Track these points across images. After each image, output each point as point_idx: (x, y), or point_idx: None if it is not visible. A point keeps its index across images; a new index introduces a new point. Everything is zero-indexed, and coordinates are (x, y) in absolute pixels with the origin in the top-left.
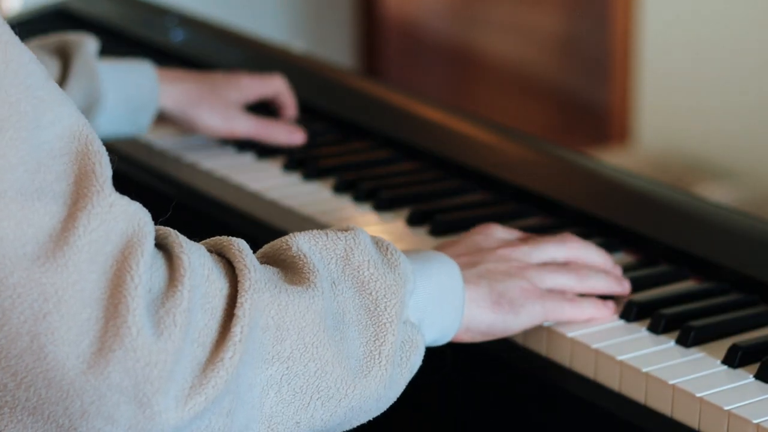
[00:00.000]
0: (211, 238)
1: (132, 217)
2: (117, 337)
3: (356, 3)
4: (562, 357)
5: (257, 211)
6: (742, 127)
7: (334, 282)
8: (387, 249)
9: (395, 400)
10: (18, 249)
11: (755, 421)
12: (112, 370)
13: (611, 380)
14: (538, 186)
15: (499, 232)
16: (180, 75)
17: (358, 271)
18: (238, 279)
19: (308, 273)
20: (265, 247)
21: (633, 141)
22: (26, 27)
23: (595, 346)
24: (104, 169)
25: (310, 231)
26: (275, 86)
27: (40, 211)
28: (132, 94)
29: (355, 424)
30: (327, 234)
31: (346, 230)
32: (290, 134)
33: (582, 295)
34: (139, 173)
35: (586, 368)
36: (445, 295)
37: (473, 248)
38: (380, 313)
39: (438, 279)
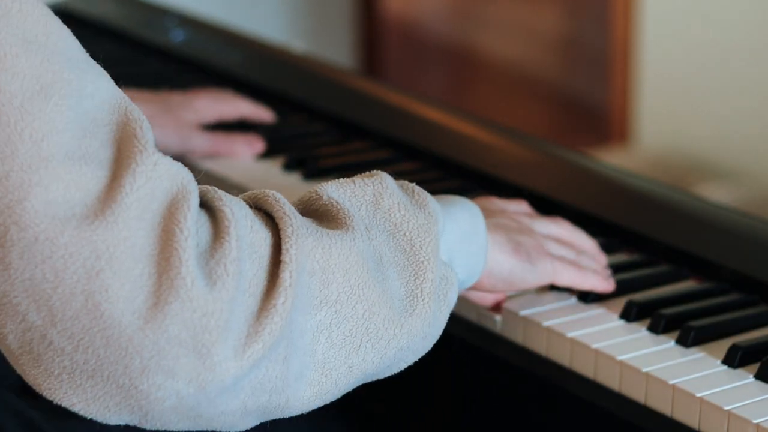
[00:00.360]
0: (246, 193)
1: (176, 175)
2: (172, 290)
3: (356, 3)
4: (562, 357)
5: None
6: (742, 127)
7: (367, 227)
8: (413, 191)
9: (438, 338)
10: (67, 211)
11: (755, 421)
12: (170, 322)
13: (611, 380)
14: (538, 186)
15: (498, 201)
16: (134, 96)
17: (390, 214)
18: (280, 227)
19: (344, 218)
20: (294, 201)
21: (633, 141)
22: None
23: (595, 346)
24: (146, 132)
25: (337, 180)
26: (238, 110)
27: (87, 175)
28: None
29: (403, 366)
30: (354, 182)
31: (370, 176)
32: (250, 145)
33: None
34: None
35: (586, 368)
36: (469, 236)
37: (496, 208)
38: (416, 252)
39: (463, 220)
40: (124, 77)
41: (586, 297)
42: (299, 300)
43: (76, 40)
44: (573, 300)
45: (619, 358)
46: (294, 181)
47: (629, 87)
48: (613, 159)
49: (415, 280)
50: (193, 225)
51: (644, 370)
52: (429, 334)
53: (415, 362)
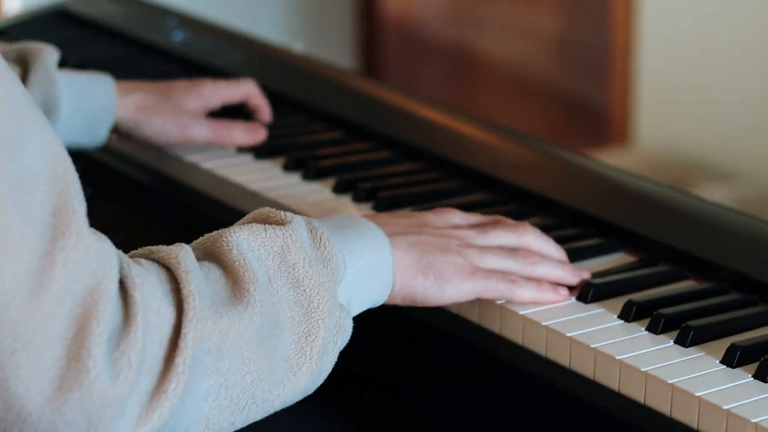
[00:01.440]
0: (160, 249)
1: (104, 258)
2: (76, 380)
3: (356, 3)
4: (562, 356)
5: None
6: (742, 127)
7: (270, 279)
8: (320, 240)
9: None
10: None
11: (754, 420)
12: (68, 408)
13: (610, 380)
14: (538, 186)
15: (454, 217)
16: (137, 85)
17: (294, 269)
18: (183, 307)
19: (248, 283)
20: (206, 241)
21: (632, 141)
22: (26, 27)
23: (594, 345)
24: (82, 206)
25: (250, 226)
26: (244, 90)
27: (20, 244)
28: (87, 105)
29: (283, 407)
30: (266, 230)
31: (283, 223)
32: (250, 134)
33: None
34: (139, 173)
35: (585, 368)
36: (374, 272)
37: (419, 222)
38: (313, 310)
39: (369, 257)
40: (124, 77)
41: (586, 297)
42: (191, 371)
43: (23, 90)
44: (572, 300)
45: (619, 357)
46: (294, 181)
47: (629, 87)
48: (613, 159)
49: (306, 337)
50: (110, 318)
51: (643, 369)
52: (312, 387)
53: (415, 362)
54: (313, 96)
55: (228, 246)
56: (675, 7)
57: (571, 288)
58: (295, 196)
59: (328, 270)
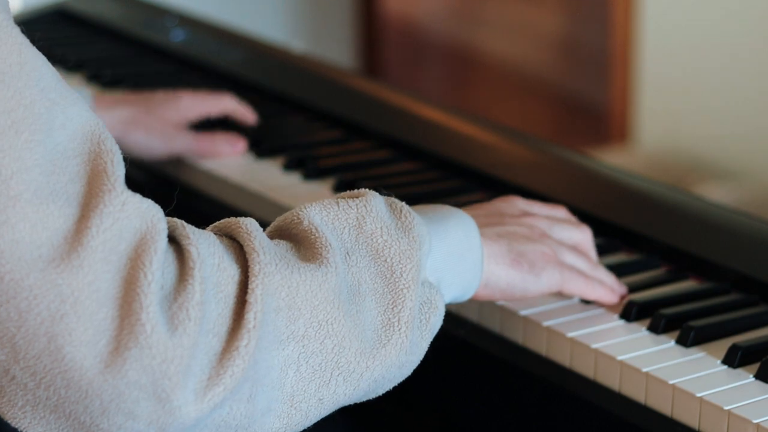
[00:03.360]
0: (221, 221)
1: (145, 214)
2: (132, 336)
3: (356, 3)
4: (562, 357)
5: (257, 212)
6: (742, 127)
7: (348, 252)
8: (401, 212)
9: (418, 364)
10: (33, 251)
11: (755, 421)
12: (129, 368)
13: (611, 380)
14: (538, 186)
15: (521, 203)
16: (116, 99)
17: (372, 239)
18: (248, 263)
19: (320, 248)
20: (278, 220)
21: (633, 141)
22: (26, 27)
23: (595, 346)
24: (116, 168)
25: (322, 201)
26: (222, 105)
27: (54, 213)
28: None
29: (381, 392)
30: (338, 203)
31: (357, 196)
32: (232, 145)
33: None
34: (139, 173)
35: (586, 368)
36: (462, 253)
37: (495, 212)
38: (396, 279)
39: (455, 237)
40: (124, 77)
41: None
42: (265, 337)
43: (50, 66)
44: (573, 300)
45: (619, 358)
46: (294, 181)
47: (629, 87)
48: (613, 159)
49: (393, 308)
50: (159, 269)
51: (644, 370)
52: (407, 362)
53: None
54: (313, 96)
55: (298, 219)
56: (675, 6)
57: None
58: (295, 196)
59: (409, 238)
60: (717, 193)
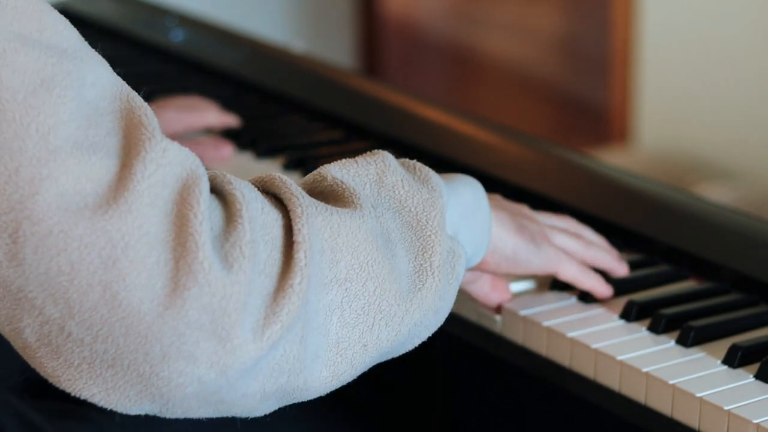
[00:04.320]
0: (253, 177)
1: (185, 160)
2: (190, 275)
3: (356, 3)
4: (562, 357)
5: None
6: (742, 127)
7: (373, 205)
8: (415, 167)
9: (449, 312)
10: (79, 202)
11: (755, 421)
12: (189, 307)
13: (611, 380)
14: (538, 186)
15: (501, 199)
16: None
17: (394, 191)
18: (289, 207)
19: (350, 196)
20: (299, 183)
21: (633, 141)
22: None
23: (595, 346)
24: (151, 119)
25: (340, 161)
26: (205, 120)
27: (96, 164)
28: None
29: (417, 342)
30: (357, 162)
31: (373, 155)
32: (216, 149)
33: None
34: None
35: (586, 368)
36: (473, 211)
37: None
38: (423, 227)
39: (466, 195)
40: (124, 77)
41: (586, 297)
42: (312, 278)
43: (74, 29)
44: (573, 300)
45: (619, 358)
46: (294, 181)
47: (629, 87)
48: (613, 159)
49: (423, 254)
50: (206, 209)
51: (644, 370)
52: (440, 308)
53: (415, 362)
54: (313, 96)
55: (321, 176)
56: (675, 6)
57: (570, 287)
58: None
59: (429, 188)
60: (717, 193)
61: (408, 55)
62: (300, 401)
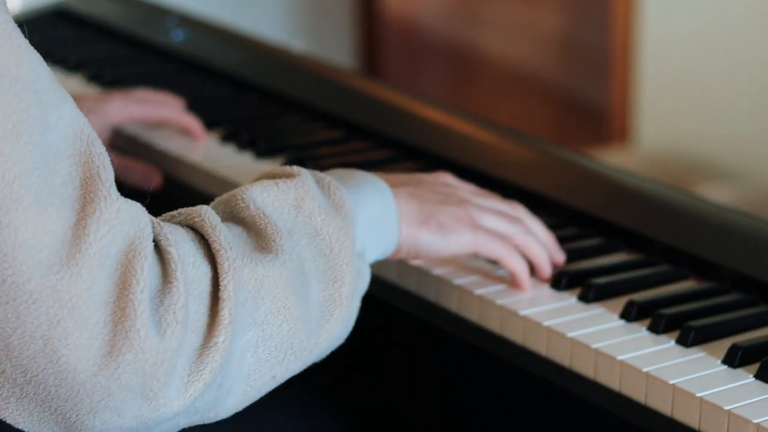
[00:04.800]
0: (182, 212)
1: (135, 219)
2: (126, 341)
3: (356, 3)
4: (562, 357)
5: None
6: (742, 127)
7: (290, 232)
8: (329, 189)
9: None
10: (35, 255)
11: (755, 421)
12: (122, 371)
13: (611, 380)
14: (538, 186)
15: (448, 178)
16: None
17: (310, 218)
18: (217, 260)
19: (273, 234)
20: (220, 204)
21: (633, 141)
22: (26, 27)
23: (595, 346)
24: (108, 173)
25: (261, 182)
26: (161, 113)
27: (53, 216)
28: None
29: (319, 359)
30: (277, 184)
31: (292, 176)
32: (145, 178)
33: None
34: None
35: (586, 368)
36: (381, 219)
37: (416, 180)
38: (335, 257)
39: (374, 204)
40: (124, 77)
41: (587, 296)
42: (234, 328)
43: (44, 65)
44: (573, 300)
45: (619, 357)
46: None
47: (629, 87)
48: (613, 159)
49: (333, 284)
50: (149, 275)
51: (644, 369)
52: (345, 332)
53: (415, 362)
54: (313, 96)
55: (244, 203)
56: (675, 6)
57: (571, 286)
58: None
59: (342, 216)
60: (717, 193)
61: (408, 55)
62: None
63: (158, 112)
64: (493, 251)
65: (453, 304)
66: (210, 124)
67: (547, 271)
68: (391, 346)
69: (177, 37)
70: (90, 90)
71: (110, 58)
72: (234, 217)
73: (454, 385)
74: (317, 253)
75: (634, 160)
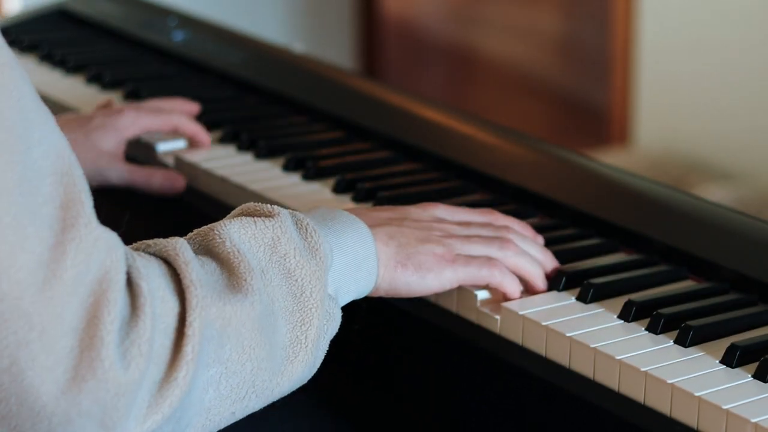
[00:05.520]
0: (157, 242)
1: (111, 249)
2: (90, 369)
3: (356, 3)
4: (561, 357)
5: None
6: (742, 127)
7: (263, 270)
8: (306, 231)
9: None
10: (11, 275)
11: (753, 420)
12: (83, 398)
13: (610, 380)
14: (538, 186)
15: (438, 211)
16: (56, 119)
17: (285, 259)
18: (186, 296)
19: (245, 273)
20: (197, 236)
21: (632, 142)
22: (26, 27)
23: (593, 345)
24: (88, 198)
25: (240, 219)
26: (170, 122)
27: (31, 235)
28: None
29: (281, 397)
30: (255, 222)
31: (271, 215)
32: (169, 182)
33: None
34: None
35: (585, 368)
36: (359, 263)
37: (399, 215)
38: (306, 299)
39: (353, 248)
40: (124, 78)
41: (586, 297)
42: (196, 363)
43: (29, 84)
44: (572, 300)
45: (618, 357)
46: (294, 181)
47: (629, 88)
48: (612, 160)
49: (301, 326)
50: (120, 308)
51: (643, 369)
52: (308, 375)
53: (415, 361)
54: (313, 96)
55: (221, 239)
56: (675, 7)
57: (569, 286)
58: (295, 196)
59: (317, 259)
60: (716, 194)
61: (408, 55)
62: None
63: (170, 122)
64: (478, 280)
65: (453, 304)
66: (210, 124)
67: (541, 285)
68: (391, 346)
69: (177, 37)
70: (90, 90)
71: (111, 59)
72: (209, 251)
73: (453, 385)
74: (288, 293)
75: (634, 161)
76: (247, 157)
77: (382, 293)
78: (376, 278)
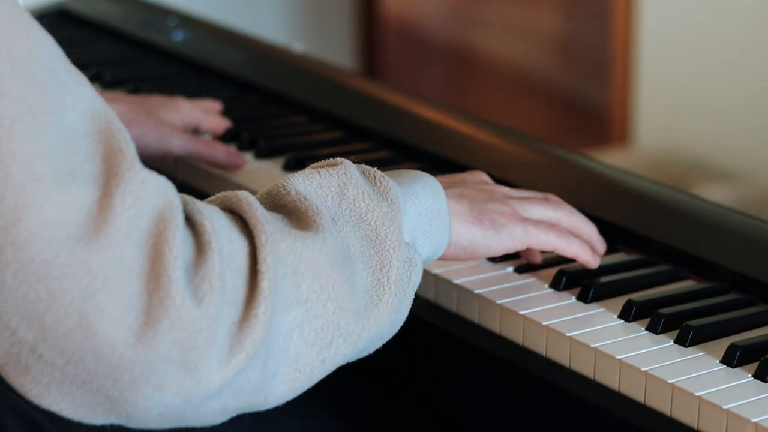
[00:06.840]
0: (218, 195)
1: (162, 190)
2: (162, 309)
3: (356, 3)
4: (562, 356)
5: None
6: (742, 127)
7: (333, 218)
8: (375, 177)
9: (404, 320)
10: (61, 231)
11: (753, 420)
12: (160, 341)
13: (610, 379)
14: (538, 186)
15: (486, 177)
16: (115, 97)
17: (354, 204)
18: (254, 234)
19: (313, 215)
20: (263, 194)
21: (632, 142)
22: None
23: (594, 345)
24: (129, 146)
25: (302, 171)
26: (211, 124)
27: (76, 192)
28: None
29: (372, 350)
30: (320, 173)
31: (334, 165)
32: (230, 156)
33: None
34: None
35: (585, 367)
36: (432, 213)
37: (457, 179)
38: (381, 241)
39: (424, 198)
40: (124, 78)
41: (586, 296)
42: (275, 303)
43: (57, 47)
44: (573, 299)
45: (619, 357)
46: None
47: (629, 87)
48: (612, 160)
49: (381, 269)
50: (181, 243)
51: (643, 369)
52: (396, 319)
53: (415, 361)
54: (313, 96)
55: (285, 190)
56: (675, 7)
57: (570, 286)
58: None
59: (388, 201)
60: (716, 194)
61: (408, 55)
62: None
63: (221, 125)
64: (545, 242)
65: (453, 304)
66: None
67: (601, 246)
68: (391, 346)
69: (177, 37)
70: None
71: (111, 59)
72: (275, 205)
73: (454, 385)
74: (362, 238)
75: (634, 161)
76: (247, 157)
77: (461, 252)
78: (449, 234)
